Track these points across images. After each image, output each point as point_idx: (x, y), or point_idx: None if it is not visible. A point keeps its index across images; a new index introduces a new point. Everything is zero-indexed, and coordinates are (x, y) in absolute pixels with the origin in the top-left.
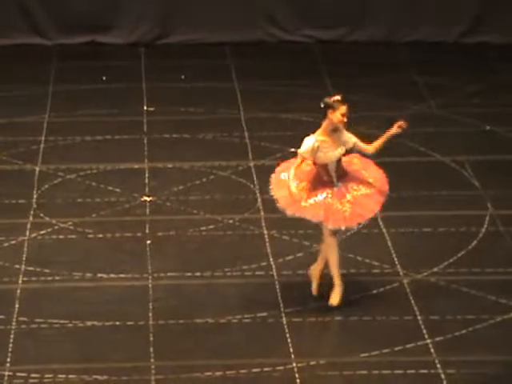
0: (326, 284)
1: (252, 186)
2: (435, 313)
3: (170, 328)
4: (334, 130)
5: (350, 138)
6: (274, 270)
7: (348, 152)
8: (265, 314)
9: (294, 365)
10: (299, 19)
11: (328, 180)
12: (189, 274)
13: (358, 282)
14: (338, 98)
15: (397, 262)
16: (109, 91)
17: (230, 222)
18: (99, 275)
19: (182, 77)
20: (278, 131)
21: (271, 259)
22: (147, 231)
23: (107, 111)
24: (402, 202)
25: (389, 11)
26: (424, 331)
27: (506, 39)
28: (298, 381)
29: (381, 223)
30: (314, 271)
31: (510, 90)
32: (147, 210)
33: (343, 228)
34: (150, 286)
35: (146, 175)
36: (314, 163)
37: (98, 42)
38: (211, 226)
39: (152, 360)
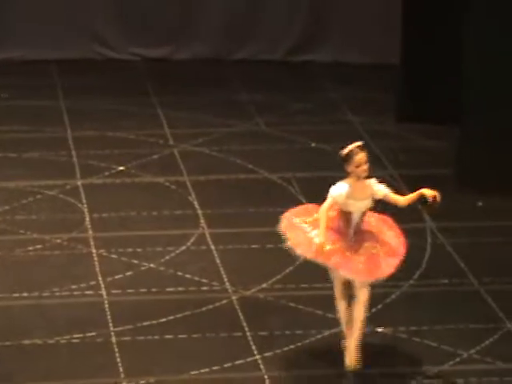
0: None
1: (80, 205)
2: (264, 329)
3: None
4: (359, 180)
5: (379, 191)
6: (103, 289)
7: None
8: (94, 333)
9: None
10: (126, 37)
11: (344, 232)
12: (16, 294)
13: (186, 300)
14: (353, 146)
15: (225, 279)
16: None
17: (58, 241)
18: None
19: (2, 95)
20: (105, 149)
21: (100, 278)
22: None
23: None
24: (230, 219)
25: (214, 29)
26: (253, 347)
27: (331, 58)
28: None
29: (209, 240)
30: (347, 343)
31: (335, 107)
32: None
33: (358, 279)
34: None
35: None
36: (338, 211)
37: None
38: (38, 246)
39: None
